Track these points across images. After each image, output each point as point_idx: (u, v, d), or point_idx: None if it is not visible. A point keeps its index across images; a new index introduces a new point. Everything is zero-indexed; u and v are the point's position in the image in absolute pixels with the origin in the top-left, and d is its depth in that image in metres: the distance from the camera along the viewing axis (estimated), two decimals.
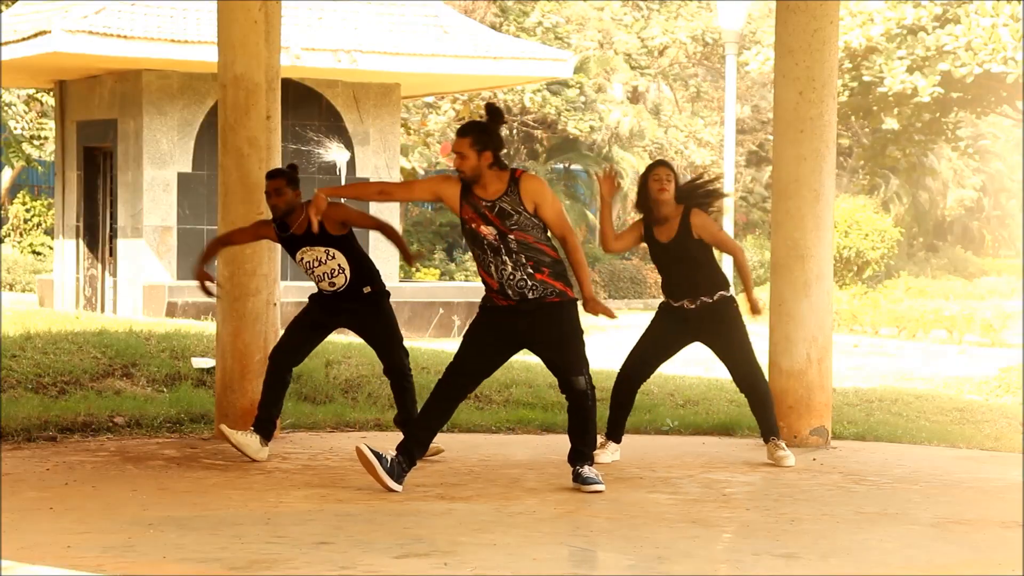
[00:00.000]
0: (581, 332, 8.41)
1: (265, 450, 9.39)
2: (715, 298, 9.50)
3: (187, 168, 21.39)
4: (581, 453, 8.51)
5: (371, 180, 8.28)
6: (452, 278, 32.00)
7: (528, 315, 8.29)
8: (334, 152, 22.17)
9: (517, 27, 35.05)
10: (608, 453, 9.66)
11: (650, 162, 9.98)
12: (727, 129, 25.65)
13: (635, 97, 38.20)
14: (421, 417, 8.45)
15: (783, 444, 9.73)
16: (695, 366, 17.03)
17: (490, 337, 8.38)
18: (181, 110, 21.34)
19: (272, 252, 10.44)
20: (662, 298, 9.76)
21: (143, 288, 21.24)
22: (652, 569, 6.62)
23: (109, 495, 8.16)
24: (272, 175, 9.39)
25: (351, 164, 22.28)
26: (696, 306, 9.50)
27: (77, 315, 18.23)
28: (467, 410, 11.93)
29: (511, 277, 8.25)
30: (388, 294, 9.49)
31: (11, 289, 28.37)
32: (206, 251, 9.60)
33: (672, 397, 12.82)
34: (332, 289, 9.33)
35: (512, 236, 8.21)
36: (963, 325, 25.24)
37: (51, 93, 25.99)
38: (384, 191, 8.85)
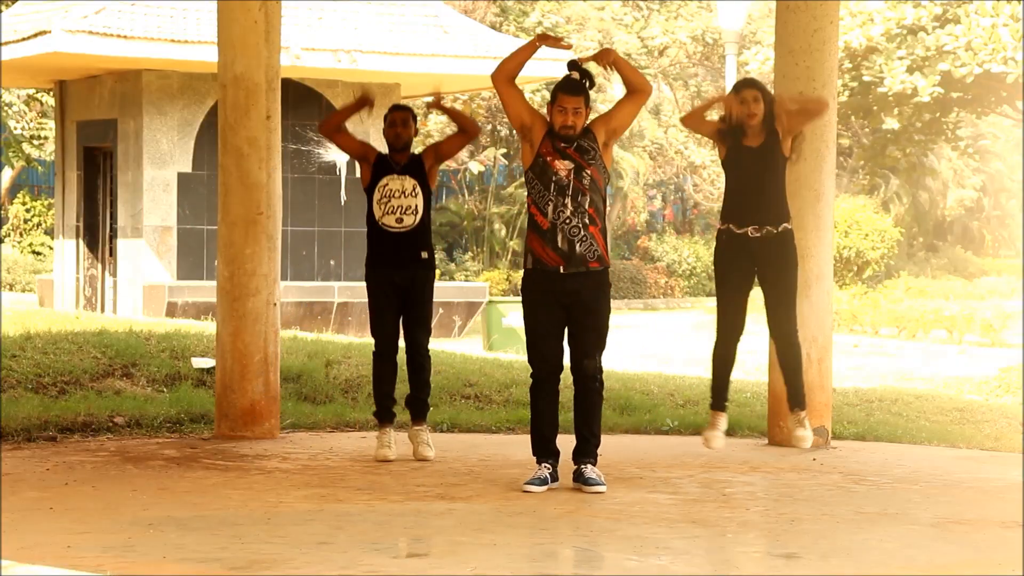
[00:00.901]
0: (608, 314, 8.49)
1: (391, 434, 9.67)
2: (779, 229, 9.35)
3: (187, 168, 21.39)
4: (587, 445, 8.48)
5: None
6: (452, 278, 32.02)
7: (571, 287, 8.35)
8: (334, 152, 22.18)
9: (517, 27, 35.06)
10: (719, 431, 9.36)
11: (738, 80, 9.88)
12: None
13: None
14: (536, 430, 8.53)
15: (806, 422, 9.38)
16: (695, 366, 17.04)
17: (544, 303, 8.40)
18: (181, 110, 21.34)
19: (272, 252, 10.44)
20: (719, 227, 9.50)
21: (143, 288, 21.24)
22: (652, 569, 6.62)
23: (109, 495, 8.16)
24: (400, 108, 9.69)
25: (351, 164, 22.27)
26: (761, 235, 9.31)
27: (77, 315, 18.23)
28: (467, 410, 11.94)
29: (567, 221, 8.34)
30: (435, 269, 9.78)
31: (11, 289, 28.37)
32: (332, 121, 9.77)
33: (672, 397, 12.82)
34: (397, 227, 9.53)
35: (588, 171, 8.36)
36: (963, 325, 25.24)
37: (51, 93, 25.99)
38: (512, 78, 8.70)
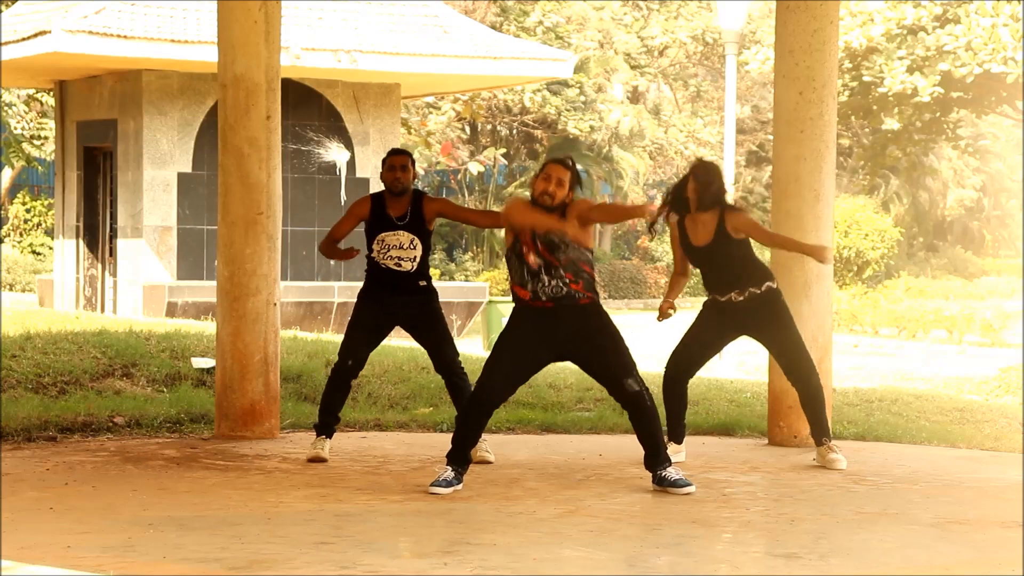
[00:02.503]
0: (619, 333, 8.46)
1: (327, 444, 9.57)
2: (763, 288, 9.48)
3: (187, 168, 21.39)
4: (657, 456, 8.51)
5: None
6: (452, 278, 32.04)
7: (565, 322, 8.32)
8: (334, 152, 22.18)
9: (517, 27, 35.06)
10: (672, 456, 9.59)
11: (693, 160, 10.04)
12: (727, 129, 25.65)
13: (635, 97, 38.22)
14: (458, 430, 8.49)
15: (835, 447, 9.69)
16: None
17: (527, 339, 8.37)
18: (181, 110, 21.34)
19: (272, 252, 10.44)
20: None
21: (143, 288, 21.24)
22: (652, 569, 6.62)
23: (109, 495, 8.16)
24: (399, 152, 9.52)
25: (351, 164, 22.28)
26: (745, 297, 9.48)
27: (77, 315, 18.23)
28: None
29: (545, 288, 8.32)
30: (437, 293, 9.63)
31: (11, 289, 28.38)
32: (328, 252, 9.62)
33: None
34: (396, 270, 9.41)
35: (557, 265, 8.31)
36: (963, 325, 25.27)
37: (51, 93, 25.99)
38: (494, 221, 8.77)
